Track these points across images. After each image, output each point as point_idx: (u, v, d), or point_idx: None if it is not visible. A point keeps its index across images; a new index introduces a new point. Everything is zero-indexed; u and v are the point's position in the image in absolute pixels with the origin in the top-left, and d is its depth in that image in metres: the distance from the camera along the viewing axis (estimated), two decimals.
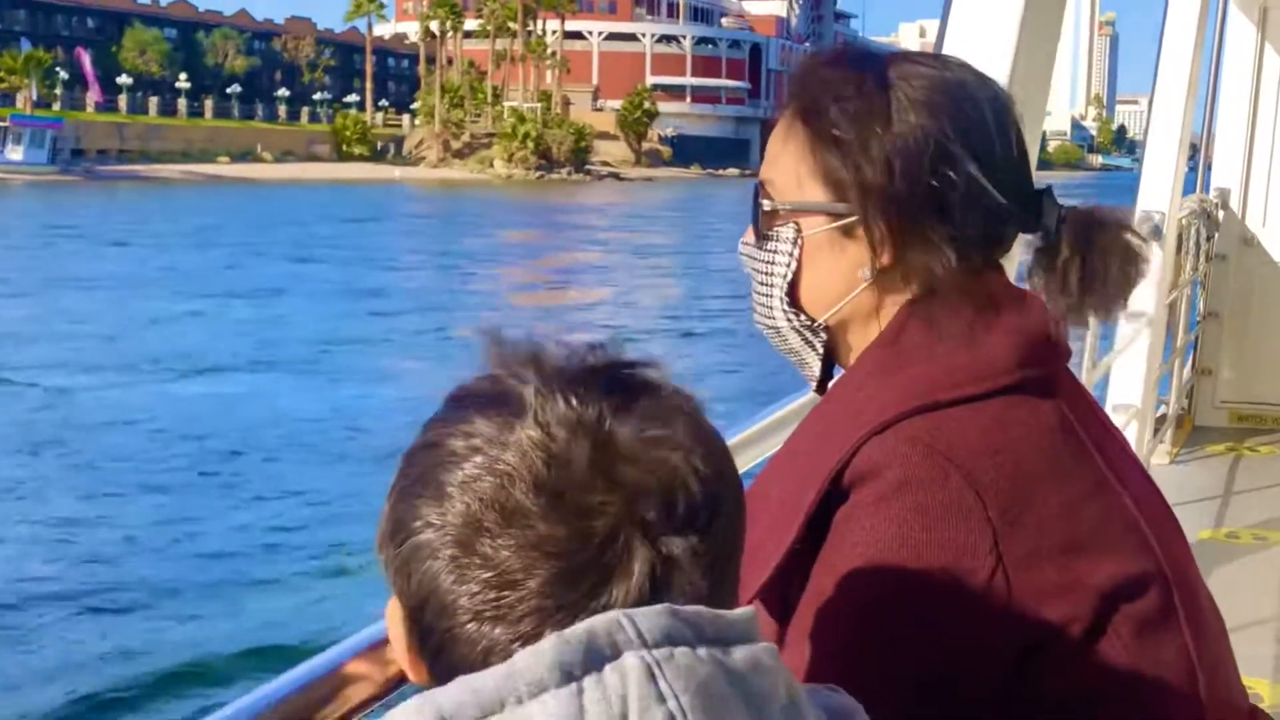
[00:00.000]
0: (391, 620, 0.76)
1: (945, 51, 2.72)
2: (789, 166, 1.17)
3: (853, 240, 1.15)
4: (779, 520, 1.08)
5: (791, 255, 1.17)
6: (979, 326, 1.11)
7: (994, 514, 1.03)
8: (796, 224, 1.16)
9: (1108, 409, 3.37)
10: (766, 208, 1.18)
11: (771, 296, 1.19)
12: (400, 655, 0.76)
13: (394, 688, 0.80)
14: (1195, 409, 5.76)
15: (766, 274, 1.19)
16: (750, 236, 1.21)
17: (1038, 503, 1.05)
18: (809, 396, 1.27)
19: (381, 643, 0.83)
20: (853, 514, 1.06)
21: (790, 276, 1.17)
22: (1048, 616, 1.04)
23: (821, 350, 1.20)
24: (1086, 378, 3.73)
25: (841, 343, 1.20)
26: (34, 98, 74.19)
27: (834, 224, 1.15)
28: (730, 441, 1.07)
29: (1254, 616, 3.09)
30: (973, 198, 1.12)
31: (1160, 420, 5.22)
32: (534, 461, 0.69)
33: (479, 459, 0.70)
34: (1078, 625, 1.05)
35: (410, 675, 0.76)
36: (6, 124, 68.61)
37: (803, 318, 1.19)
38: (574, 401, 0.70)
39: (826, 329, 1.19)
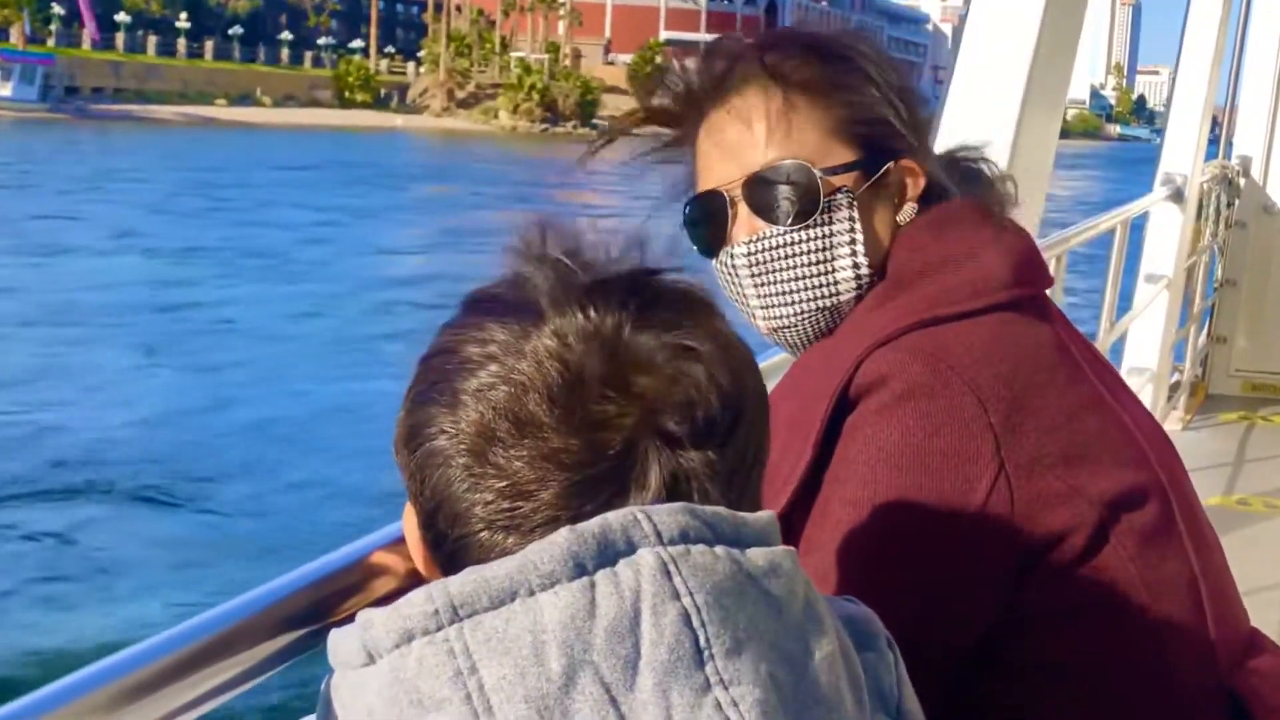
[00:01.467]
0: (407, 524, 0.74)
1: (971, 18, 2.69)
2: (807, 139, 1.15)
3: (885, 187, 1.17)
4: (791, 443, 1.09)
5: (853, 220, 1.15)
6: (974, 248, 1.15)
7: (996, 421, 1.05)
8: (844, 189, 1.15)
9: (1122, 372, 3.31)
10: (819, 178, 1.14)
11: (834, 272, 1.16)
12: (416, 558, 0.74)
13: (418, 582, 0.74)
14: (1209, 376, 5.72)
15: (821, 250, 1.16)
16: (766, 229, 1.16)
17: (1038, 411, 1.07)
18: None
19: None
20: (858, 424, 1.08)
21: (862, 241, 1.16)
22: (1051, 524, 1.05)
23: None
24: (1103, 339, 3.70)
25: None
26: (27, 32, 72.92)
27: (876, 175, 1.16)
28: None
29: (1264, 582, 3.08)
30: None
31: (1174, 387, 5.18)
32: (549, 372, 0.67)
33: (494, 367, 0.68)
34: (1081, 534, 1.06)
35: (426, 578, 0.73)
36: None
37: (871, 277, 1.17)
38: (592, 311, 0.68)
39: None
